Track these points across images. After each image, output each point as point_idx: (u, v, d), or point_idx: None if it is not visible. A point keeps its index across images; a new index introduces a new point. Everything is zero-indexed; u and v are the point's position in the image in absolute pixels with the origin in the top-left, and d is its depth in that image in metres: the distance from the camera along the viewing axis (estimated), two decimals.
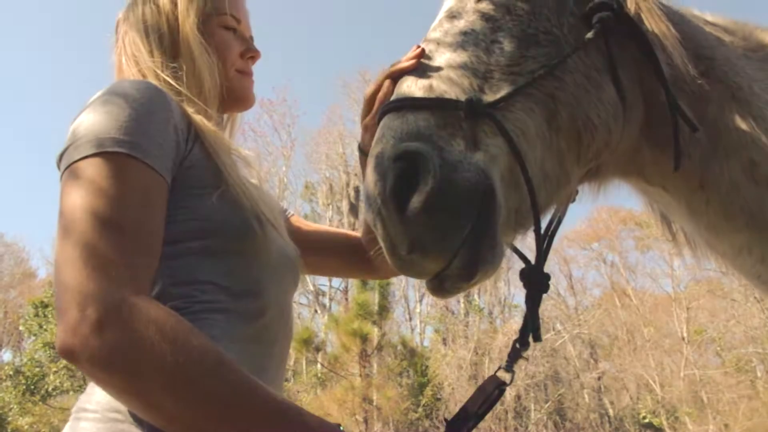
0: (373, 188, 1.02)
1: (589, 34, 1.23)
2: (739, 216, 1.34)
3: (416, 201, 0.98)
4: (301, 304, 27.57)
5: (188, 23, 1.43)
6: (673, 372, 26.57)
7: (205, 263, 1.20)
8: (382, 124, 1.10)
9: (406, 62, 1.21)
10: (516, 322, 28.00)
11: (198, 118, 1.29)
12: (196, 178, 1.23)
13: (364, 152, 1.37)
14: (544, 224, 1.30)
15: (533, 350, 24.89)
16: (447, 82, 1.13)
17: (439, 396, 24.68)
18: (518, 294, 31.24)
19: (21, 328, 25.67)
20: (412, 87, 1.14)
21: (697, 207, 1.39)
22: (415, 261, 1.03)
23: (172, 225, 1.17)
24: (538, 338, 1.22)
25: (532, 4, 1.27)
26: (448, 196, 1.00)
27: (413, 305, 30.92)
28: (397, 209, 0.99)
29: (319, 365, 21.17)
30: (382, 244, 1.05)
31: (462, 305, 29.72)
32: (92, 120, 1.12)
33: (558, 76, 1.19)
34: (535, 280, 1.22)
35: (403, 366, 22.28)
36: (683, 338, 25.64)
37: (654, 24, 1.33)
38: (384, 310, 16.54)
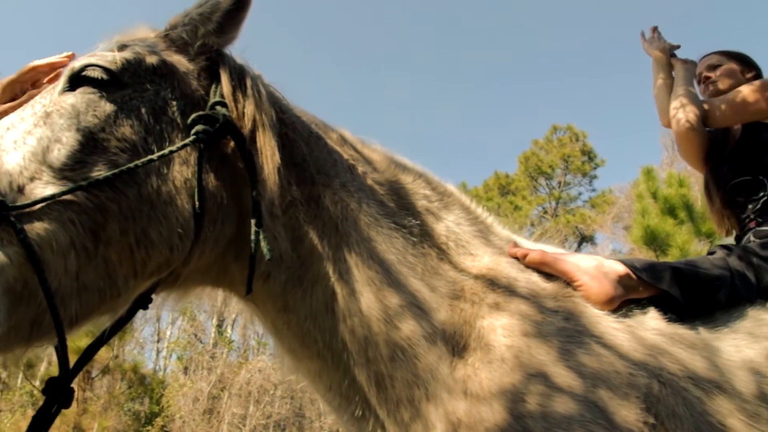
0: None
1: (173, 147, 1.25)
2: (314, 344, 1.41)
3: None
4: None
5: None
6: None
7: None
8: None
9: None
10: (262, 360, 26.08)
11: None
12: None
13: None
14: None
15: (273, 390, 23.50)
16: None
17: (167, 429, 20.50)
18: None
19: None
20: None
21: (280, 328, 1.45)
22: None
23: None
24: None
25: (119, 107, 1.27)
26: None
27: (165, 326, 28.45)
28: None
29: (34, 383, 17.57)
30: None
31: (213, 335, 28.70)
32: None
33: (118, 187, 1.17)
34: (57, 394, 1.18)
35: (135, 393, 20.74)
36: None
37: (264, 144, 1.37)
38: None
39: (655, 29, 2.74)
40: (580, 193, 29.67)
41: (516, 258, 1.58)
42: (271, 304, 1.43)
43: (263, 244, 1.29)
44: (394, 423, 1.35)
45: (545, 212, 28.62)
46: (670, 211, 9.52)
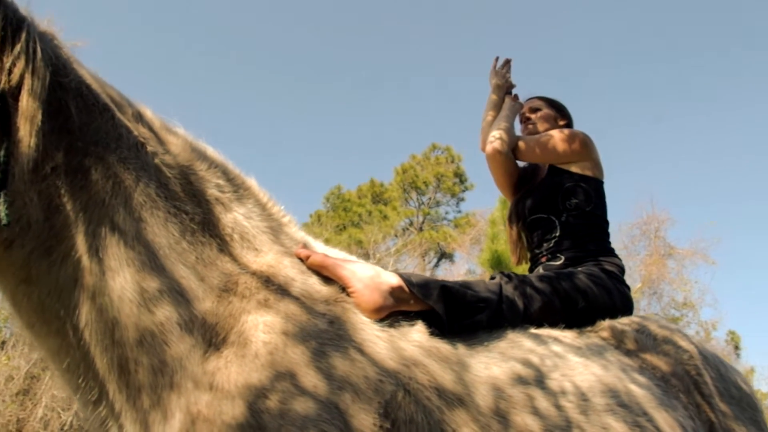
0: None
1: None
2: (55, 320, 1.35)
3: None
4: None
5: None
6: None
7: None
8: None
9: None
10: None
11: None
12: None
13: None
14: None
15: None
16: None
17: None
18: None
19: None
20: None
21: (20, 301, 1.38)
22: None
23: None
24: None
25: None
26: None
27: None
28: None
29: None
30: None
31: None
32: None
33: None
34: None
35: None
36: None
37: (26, 106, 1.32)
38: None
39: (508, 62, 2.95)
40: (447, 212, 30.99)
41: (300, 259, 1.62)
42: (12, 274, 1.35)
43: (1, 208, 1.23)
44: (133, 409, 1.33)
45: (411, 224, 29.58)
46: None
